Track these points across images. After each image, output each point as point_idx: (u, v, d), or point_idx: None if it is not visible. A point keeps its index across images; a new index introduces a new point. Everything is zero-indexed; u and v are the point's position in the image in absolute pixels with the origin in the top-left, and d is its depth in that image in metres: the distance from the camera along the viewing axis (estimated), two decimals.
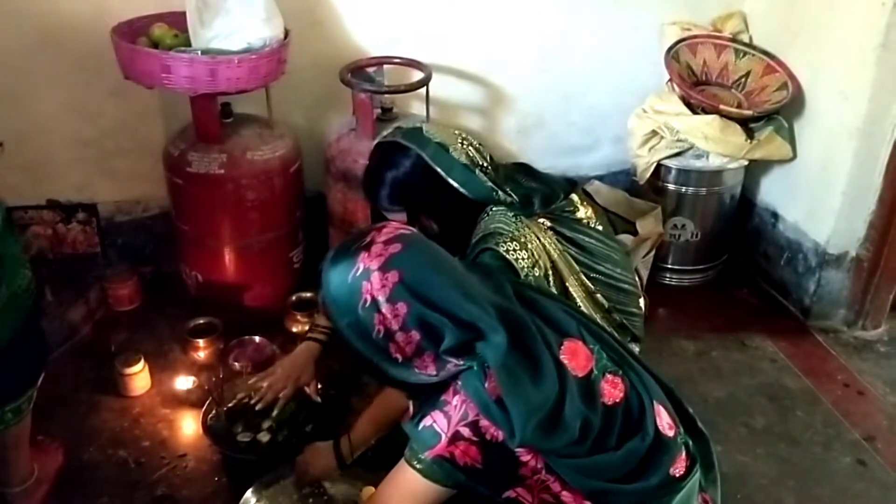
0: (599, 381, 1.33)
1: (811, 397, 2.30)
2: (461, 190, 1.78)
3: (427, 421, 1.31)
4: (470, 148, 1.84)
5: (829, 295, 2.57)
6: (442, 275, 1.29)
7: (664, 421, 1.38)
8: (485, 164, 1.84)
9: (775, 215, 2.72)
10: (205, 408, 2.06)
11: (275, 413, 1.97)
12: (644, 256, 2.51)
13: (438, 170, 1.78)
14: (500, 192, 1.81)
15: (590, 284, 1.82)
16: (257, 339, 2.35)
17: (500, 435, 1.26)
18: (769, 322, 2.61)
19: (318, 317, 2.04)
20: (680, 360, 2.42)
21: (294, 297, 2.45)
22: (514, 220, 1.78)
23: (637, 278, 2.07)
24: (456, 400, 1.30)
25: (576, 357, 1.33)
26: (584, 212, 1.93)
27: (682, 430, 1.43)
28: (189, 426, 2.11)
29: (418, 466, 1.32)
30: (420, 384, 1.32)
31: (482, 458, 1.28)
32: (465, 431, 1.27)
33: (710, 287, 2.81)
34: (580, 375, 1.31)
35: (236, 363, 2.25)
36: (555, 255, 1.79)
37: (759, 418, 2.21)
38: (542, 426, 1.24)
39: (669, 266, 2.78)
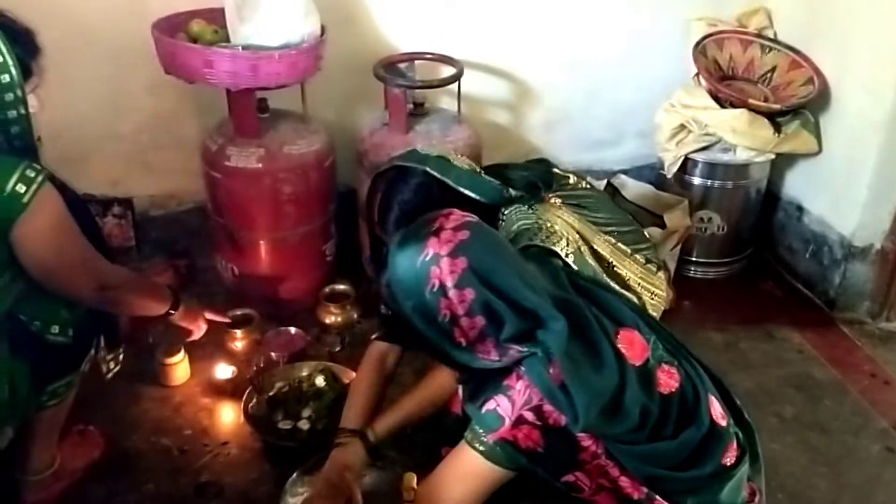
0: (655, 370, 1.37)
1: (838, 387, 2.33)
2: (472, 195, 1.80)
3: (491, 404, 1.35)
4: (463, 157, 1.90)
5: (854, 287, 2.60)
6: (506, 263, 1.32)
7: (717, 411, 1.42)
8: (481, 169, 1.91)
9: (800, 209, 2.75)
10: (245, 396, 2.10)
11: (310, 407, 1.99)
12: (671, 249, 2.55)
13: (447, 181, 1.80)
14: (508, 190, 1.85)
15: (610, 238, 1.90)
16: (293, 330, 2.38)
17: (563, 420, 1.30)
18: (795, 314, 2.64)
19: (345, 415, 1.86)
20: (708, 350, 2.43)
21: (327, 290, 2.47)
22: (530, 212, 1.83)
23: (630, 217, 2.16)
24: (520, 385, 1.33)
25: (632, 346, 1.37)
26: (571, 178, 2.03)
27: (731, 420, 1.46)
28: (229, 415, 2.14)
29: (480, 448, 1.35)
30: (481, 369, 1.36)
31: (544, 442, 1.32)
32: (529, 416, 1.31)
33: (735, 280, 2.84)
34: (637, 364, 1.35)
35: (273, 353, 2.29)
36: (577, 226, 1.86)
37: (789, 407, 2.24)
38: (605, 412, 1.28)
39: (694, 259, 2.80)
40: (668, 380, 1.37)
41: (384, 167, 1.90)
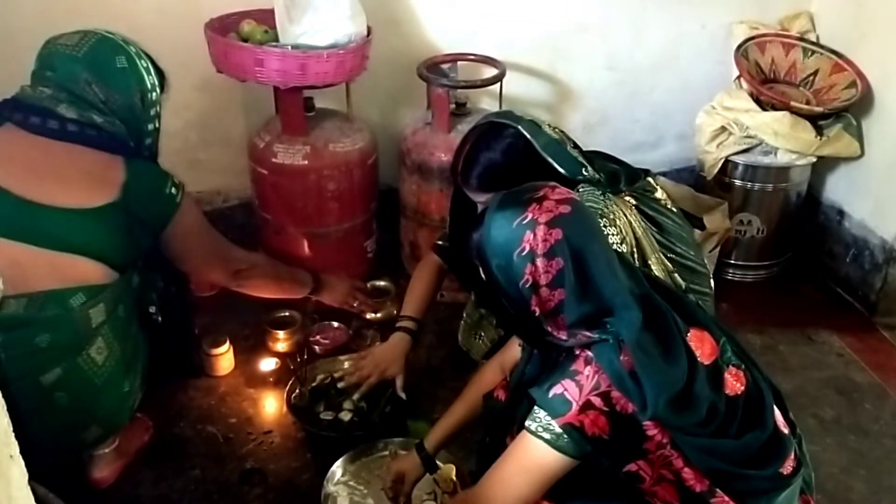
0: (723, 371, 1.36)
1: (879, 391, 2.32)
2: (553, 164, 1.81)
3: (557, 389, 1.33)
4: (557, 128, 1.91)
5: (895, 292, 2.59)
6: (599, 245, 1.33)
7: (780, 419, 1.42)
8: (572, 143, 1.91)
9: (841, 213, 2.74)
10: (288, 387, 2.14)
11: (356, 396, 2.04)
12: (711, 251, 2.55)
13: (534, 142, 1.81)
14: (588, 168, 1.86)
15: (668, 264, 1.87)
16: (335, 324, 2.43)
17: (631, 407, 1.29)
18: (835, 318, 2.63)
19: (406, 305, 2.11)
20: None
21: (368, 285, 2.52)
22: (602, 197, 1.82)
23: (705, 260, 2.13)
24: (588, 370, 1.32)
25: (702, 345, 1.36)
26: (661, 193, 1.99)
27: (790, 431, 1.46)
28: (272, 405, 2.19)
29: (546, 437, 1.33)
30: (545, 343, 1.36)
31: (610, 430, 1.30)
32: (597, 401, 1.30)
33: (774, 283, 2.83)
34: (706, 363, 1.35)
35: (315, 346, 2.34)
36: (639, 233, 1.84)
37: (828, 410, 2.24)
38: (674, 402, 1.27)
39: (733, 262, 2.80)
40: (735, 382, 1.36)
41: (479, 121, 1.92)
